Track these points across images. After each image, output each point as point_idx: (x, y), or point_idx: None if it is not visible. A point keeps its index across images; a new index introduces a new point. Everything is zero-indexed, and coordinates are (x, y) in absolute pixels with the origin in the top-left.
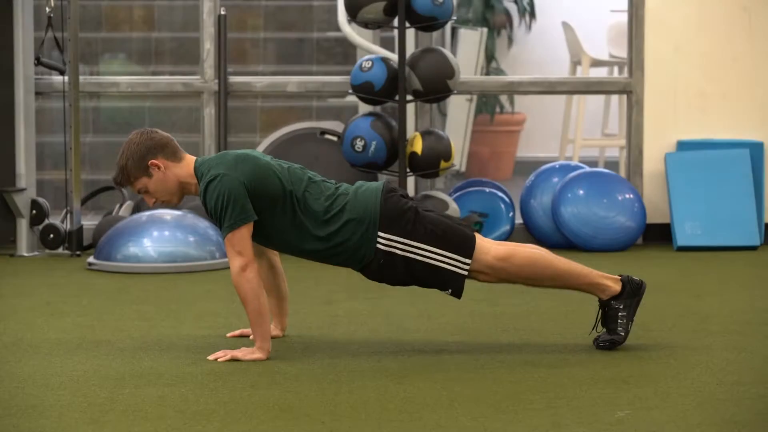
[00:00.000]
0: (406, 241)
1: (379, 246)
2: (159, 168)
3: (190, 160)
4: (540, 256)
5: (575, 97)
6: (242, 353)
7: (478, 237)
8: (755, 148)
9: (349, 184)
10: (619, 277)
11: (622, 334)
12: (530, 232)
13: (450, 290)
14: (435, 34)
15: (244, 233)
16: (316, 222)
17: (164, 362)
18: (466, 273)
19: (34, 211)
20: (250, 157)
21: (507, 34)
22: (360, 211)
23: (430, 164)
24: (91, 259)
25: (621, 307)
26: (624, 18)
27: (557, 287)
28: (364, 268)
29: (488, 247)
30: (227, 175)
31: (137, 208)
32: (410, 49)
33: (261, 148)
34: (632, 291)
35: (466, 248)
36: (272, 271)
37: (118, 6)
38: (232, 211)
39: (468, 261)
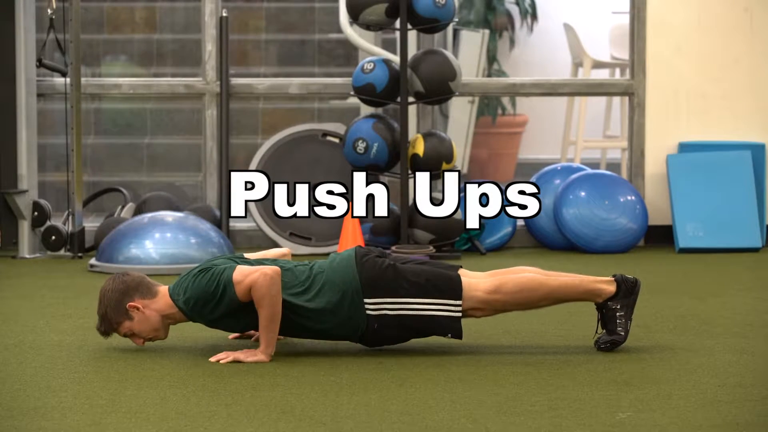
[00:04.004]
0: (393, 300)
1: (369, 312)
2: (138, 309)
3: (164, 290)
4: (530, 278)
5: (577, 98)
6: (244, 355)
7: (464, 274)
8: (757, 149)
9: (322, 259)
10: (613, 278)
11: (622, 333)
12: (532, 234)
13: (450, 334)
14: (437, 35)
15: (241, 269)
16: (300, 307)
17: (166, 364)
18: (460, 314)
19: (35, 213)
20: (215, 259)
21: (509, 35)
22: (340, 284)
23: (432, 166)
24: (92, 260)
25: (618, 307)
26: (625, 20)
27: (554, 303)
28: (362, 337)
29: (476, 283)
30: (197, 273)
31: (139, 210)
32: (412, 50)
33: (263, 149)
34: (627, 290)
35: (454, 291)
36: None
37: (119, 8)
38: (218, 277)
39: (459, 302)
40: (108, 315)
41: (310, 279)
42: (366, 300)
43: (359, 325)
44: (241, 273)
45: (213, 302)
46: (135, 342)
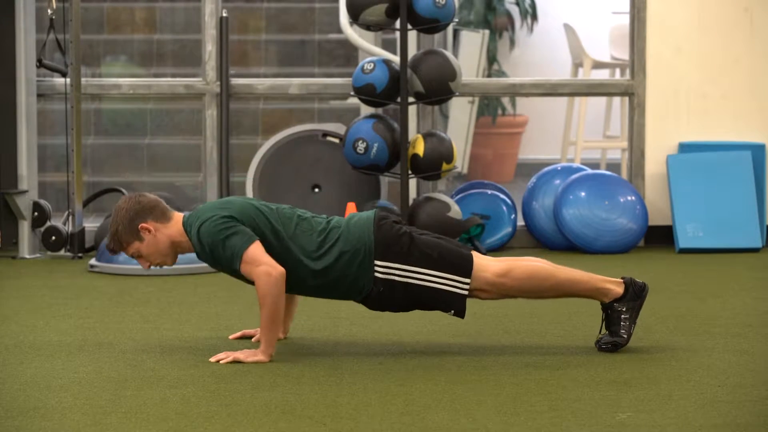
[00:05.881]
0: (403, 267)
1: (377, 275)
2: (149, 231)
3: (178, 218)
4: (540, 267)
5: (577, 99)
6: (244, 355)
7: (476, 255)
8: (757, 149)
9: (340, 216)
10: (622, 280)
11: (625, 336)
12: (532, 235)
13: (453, 311)
14: (437, 36)
15: (257, 250)
16: (310, 258)
17: (166, 364)
18: (466, 292)
19: (35, 213)
20: (235, 199)
21: (509, 36)
22: (354, 242)
23: (432, 166)
24: (92, 261)
25: (624, 309)
26: (626, 20)
27: (560, 296)
28: (365, 298)
29: (486, 264)
30: (216, 215)
31: None
32: (412, 51)
33: (263, 150)
34: (635, 293)
35: (464, 268)
36: None
37: (119, 8)
38: (234, 239)
39: (467, 280)
40: (119, 233)
41: (326, 232)
42: (376, 262)
43: (365, 285)
44: (252, 257)
45: (217, 257)
46: (140, 264)
